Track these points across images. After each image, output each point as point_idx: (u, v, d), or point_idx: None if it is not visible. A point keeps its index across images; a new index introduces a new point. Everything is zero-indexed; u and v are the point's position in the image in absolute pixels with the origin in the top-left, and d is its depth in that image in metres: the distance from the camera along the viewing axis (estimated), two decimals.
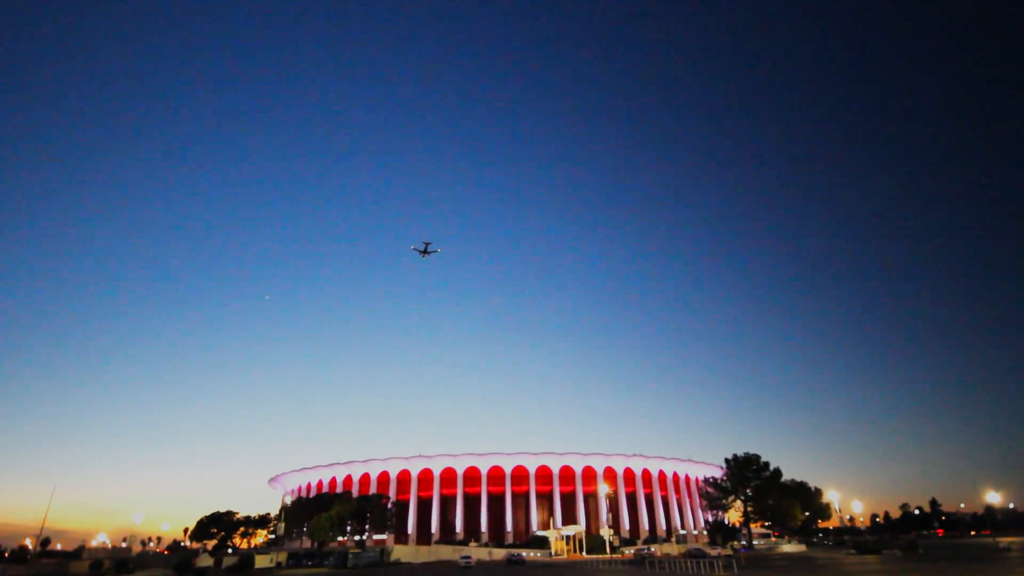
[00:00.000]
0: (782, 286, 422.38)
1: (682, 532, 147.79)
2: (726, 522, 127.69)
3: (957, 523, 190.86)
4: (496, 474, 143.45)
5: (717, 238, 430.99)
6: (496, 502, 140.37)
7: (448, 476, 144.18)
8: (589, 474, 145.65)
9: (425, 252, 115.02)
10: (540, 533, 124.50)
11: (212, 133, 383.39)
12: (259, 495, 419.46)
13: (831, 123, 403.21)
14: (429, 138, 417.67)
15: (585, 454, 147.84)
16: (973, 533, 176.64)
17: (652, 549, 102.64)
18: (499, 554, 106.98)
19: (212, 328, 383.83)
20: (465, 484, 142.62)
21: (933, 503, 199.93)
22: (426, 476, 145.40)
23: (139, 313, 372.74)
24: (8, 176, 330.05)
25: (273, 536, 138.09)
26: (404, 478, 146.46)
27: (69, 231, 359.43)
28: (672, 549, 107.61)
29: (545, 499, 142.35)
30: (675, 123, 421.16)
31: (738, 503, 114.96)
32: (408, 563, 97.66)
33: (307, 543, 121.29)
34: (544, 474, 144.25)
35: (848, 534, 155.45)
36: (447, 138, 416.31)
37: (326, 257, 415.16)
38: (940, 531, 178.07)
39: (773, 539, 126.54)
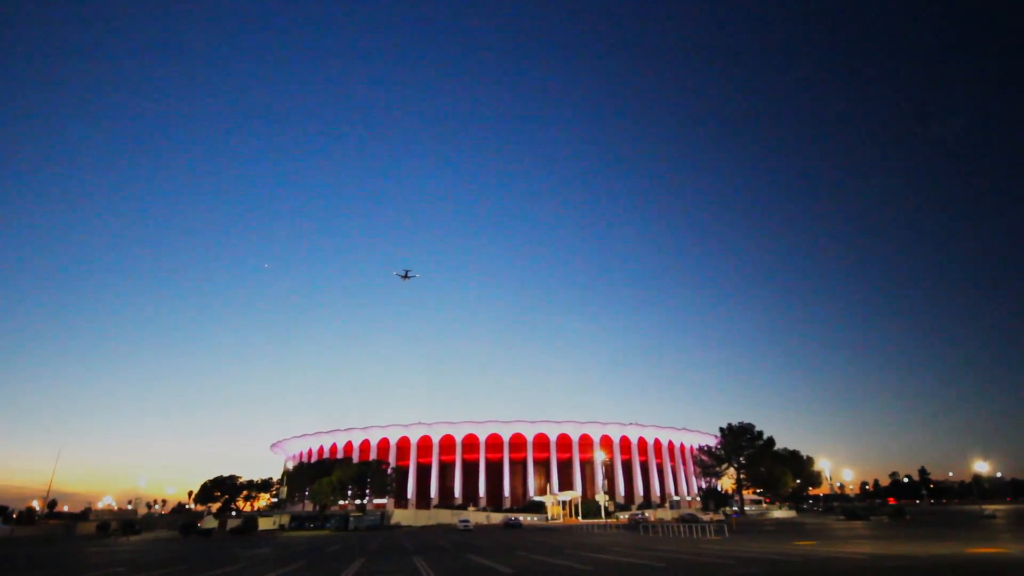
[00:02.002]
0: (775, 259, 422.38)
1: (676, 498, 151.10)
2: (719, 489, 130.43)
3: (945, 491, 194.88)
4: (494, 441, 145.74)
5: (711, 212, 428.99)
6: (494, 468, 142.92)
7: (447, 443, 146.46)
8: (586, 442, 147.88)
9: (405, 277, 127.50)
10: (537, 498, 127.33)
11: (218, 119, 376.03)
12: (262, 460, 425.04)
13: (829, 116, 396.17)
14: (447, 99, 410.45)
15: (582, 422, 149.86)
16: (956, 501, 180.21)
17: (646, 514, 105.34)
18: (497, 518, 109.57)
19: (215, 295, 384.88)
20: (464, 451, 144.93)
21: (922, 472, 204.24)
22: (425, 443, 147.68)
23: (143, 280, 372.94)
24: (18, 137, 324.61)
25: (276, 500, 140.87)
26: (404, 444, 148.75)
27: (71, 199, 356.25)
28: (666, 514, 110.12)
29: (542, 466, 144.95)
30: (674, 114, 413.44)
31: (731, 470, 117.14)
32: (408, 526, 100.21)
33: (309, 506, 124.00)
34: (541, 442, 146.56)
35: (838, 501, 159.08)
36: (459, 103, 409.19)
37: (326, 226, 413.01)
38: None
39: (764, 505, 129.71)
